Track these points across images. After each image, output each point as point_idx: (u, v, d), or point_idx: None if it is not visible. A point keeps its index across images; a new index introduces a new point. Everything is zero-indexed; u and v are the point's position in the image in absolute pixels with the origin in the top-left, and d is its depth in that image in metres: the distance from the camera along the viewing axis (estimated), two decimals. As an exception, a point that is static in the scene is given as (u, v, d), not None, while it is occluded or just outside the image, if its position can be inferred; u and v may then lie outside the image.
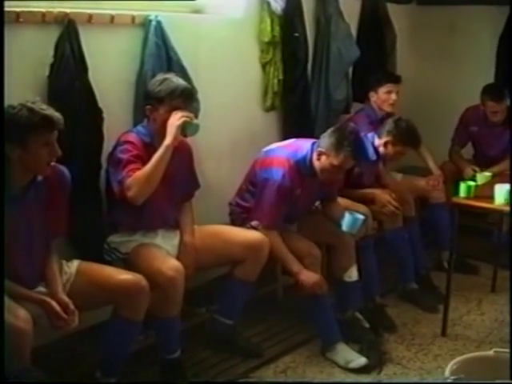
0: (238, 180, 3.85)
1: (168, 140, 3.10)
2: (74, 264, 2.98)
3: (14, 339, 2.46)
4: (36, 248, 2.82)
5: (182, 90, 3.19)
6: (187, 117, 3.13)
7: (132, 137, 3.21)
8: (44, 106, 2.66)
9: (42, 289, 2.82)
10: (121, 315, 2.92)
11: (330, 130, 3.53)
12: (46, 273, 2.85)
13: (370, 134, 4.12)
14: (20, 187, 2.71)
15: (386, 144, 4.05)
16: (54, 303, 2.69)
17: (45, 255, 2.87)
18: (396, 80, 4.51)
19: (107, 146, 3.32)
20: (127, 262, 3.22)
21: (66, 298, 2.74)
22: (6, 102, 2.64)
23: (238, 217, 3.75)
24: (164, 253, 3.22)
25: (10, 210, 2.65)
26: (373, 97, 4.50)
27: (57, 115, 2.66)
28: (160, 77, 3.24)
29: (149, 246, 3.25)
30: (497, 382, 2.63)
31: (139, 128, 3.29)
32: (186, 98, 3.22)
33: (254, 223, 3.55)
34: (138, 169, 3.09)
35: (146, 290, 2.91)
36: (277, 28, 4.21)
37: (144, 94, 3.31)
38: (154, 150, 3.15)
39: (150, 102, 3.22)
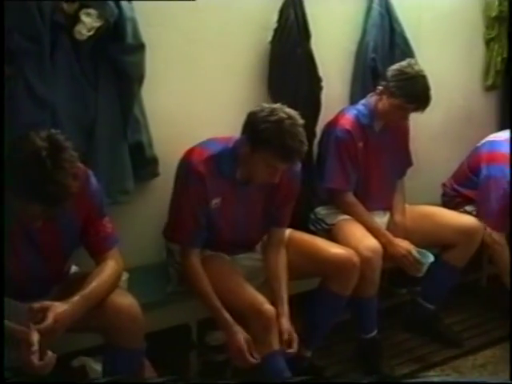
0: (451, 160, 3.72)
1: None
2: (286, 232, 2.98)
3: None
4: None
5: (423, 100, 3.03)
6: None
7: (350, 121, 3.14)
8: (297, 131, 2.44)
9: None
10: (329, 288, 2.90)
11: None
12: None
13: None
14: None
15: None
16: None
17: None
18: None
19: (323, 116, 3.29)
20: (330, 234, 3.19)
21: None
22: (229, 66, 2.62)
23: (452, 200, 3.61)
24: (364, 231, 3.14)
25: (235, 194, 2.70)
26: None
27: (301, 149, 2.47)
28: (410, 69, 3.05)
29: (351, 221, 3.20)
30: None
31: (360, 107, 3.21)
32: (419, 108, 3.07)
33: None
34: (347, 179, 3.16)
35: (358, 266, 2.86)
36: (505, 3, 3.96)
37: (385, 74, 3.11)
38: (371, 132, 3.16)
39: (386, 87, 3.08)
